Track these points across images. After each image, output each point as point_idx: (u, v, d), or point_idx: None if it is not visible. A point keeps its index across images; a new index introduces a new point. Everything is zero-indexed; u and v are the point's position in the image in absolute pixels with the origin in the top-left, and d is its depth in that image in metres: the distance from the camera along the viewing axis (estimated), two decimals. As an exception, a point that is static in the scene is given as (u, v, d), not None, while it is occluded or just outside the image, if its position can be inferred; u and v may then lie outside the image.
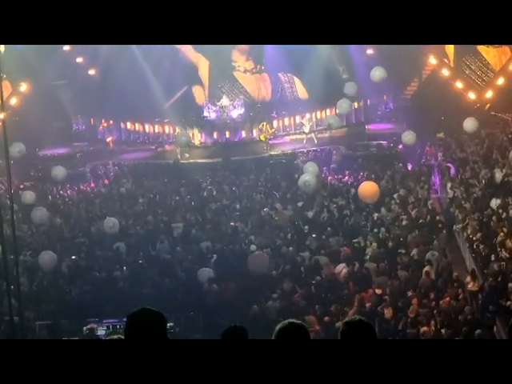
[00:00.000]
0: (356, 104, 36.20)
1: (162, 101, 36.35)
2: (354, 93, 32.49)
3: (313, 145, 34.30)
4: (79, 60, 36.87)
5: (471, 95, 31.67)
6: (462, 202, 23.75)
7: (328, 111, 36.01)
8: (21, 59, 32.26)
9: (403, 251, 20.59)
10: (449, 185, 25.84)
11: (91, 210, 27.71)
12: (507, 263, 18.43)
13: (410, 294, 17.71)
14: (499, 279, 17.59)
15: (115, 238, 23.08)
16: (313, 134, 35.07)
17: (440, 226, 22.83)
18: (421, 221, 22.84)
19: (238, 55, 38.28)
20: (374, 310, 17.01)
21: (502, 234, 19.94)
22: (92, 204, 28.51)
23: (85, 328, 17.65)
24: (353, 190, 26.65)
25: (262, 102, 38.14)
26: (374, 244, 21.19)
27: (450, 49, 33.79)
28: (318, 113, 36.44)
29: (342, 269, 19.72)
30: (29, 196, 26.71)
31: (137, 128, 38.26)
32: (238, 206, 26.71)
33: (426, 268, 18.81)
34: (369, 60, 34.34)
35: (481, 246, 19.84)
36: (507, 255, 18.80)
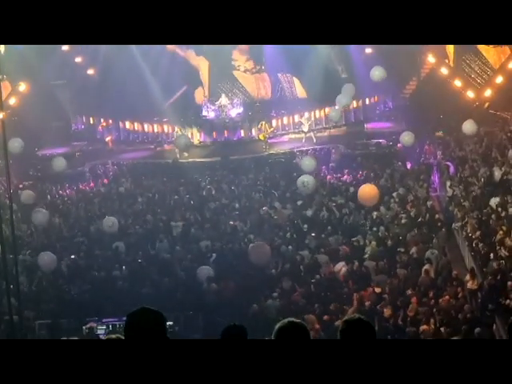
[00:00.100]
0: (355, 103, 36.22)
1: (161, 100, 36.34)
2: (351, 95, 32.32)
3: (312, 144, 34.31)
4: (78, 60, 36.89)
5: (470, 94, 31.68)
6: (461, 201, 23.76)
7: (327, 110, 36.02)
8: (20, 59, 32.28)
9: (402, 250, 20.59)
10: (448, 183, 25.86)
11: (90, 210, 27.72)
12: (506, 261, 18.44)
13: (409, 292, 17.72)
14: (498, 277, 17.59)
15: (114, 238, 23.09)
16: (312, 133, 35.09)
17: (439, 224, 22.85)
18: (420, 219, 22.85)
19: (238, 55, 38.30)
20: (374, 309, 17.02)
21: (501, 232, 19.95)
22: (91, 203, 28.51)
23: (84, 327, 17.66)
24: (352, 189, 26.67)
25: (261, 101, 38.15)
26: (374, 243, 21.20)
27: (449, 48, 33.80)
28: (317, 112, 36.46)
29: (341, 267, 19.73)
30: (28, 195, 26.73)
31: (136, 127, 38.28)
32: (237, 205, 26.72)
33: (426, 266, 18.81)
34: (368, 59, 34.36)
35: (480, 245, 19.85)
36: (506, 253, 18.81)
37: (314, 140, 34.72)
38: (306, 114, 35.77)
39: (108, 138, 37.36)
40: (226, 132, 36.30)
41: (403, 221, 22.79)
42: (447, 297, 17.02)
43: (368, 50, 34.93)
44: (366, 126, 36.24)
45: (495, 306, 16.77)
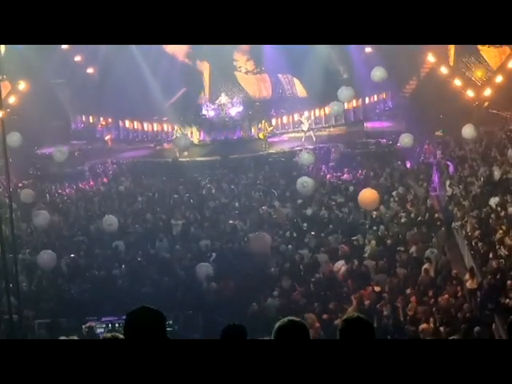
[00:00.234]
0: (355, 102, 36.22)
1: (161, 99, 36.31)
2: (349, 97, 32.20)
3: (311, 143, 34.31)
4: (78, 58, 36.86)
5: (470, 93, 31.66)
6: (461, 200, 23.77)
7: (327, 109, 36.02)
8: (19, 58, 32.26)
9: (402, 249, 20.60)
10: (447, 182, 25.88)
11: (90, 209, 27.71)
12: (506, 261, 18.44)
13: (408, 291, 17.72)
14: (498, 277, 17.59)
15: (114, 237, 23.08)
16: (311, 132, 35.09)
17: (439, 223, 22.85)
18: (420, 218, 22.85)
19: (239, 56, 38.25)
20: (373, 308, 17.03)
21: (500, 231, 19.96)
22: (91, 202, 28.51)
23: (84, 326, 17.66)
24: (351, 188, 26.69)
25: (261, 101, 38.14)
26: (373, 242, 21.19)
27: (450, 47, 33.76)
28: (317, 111, 36.45)
29: (340, 266, 19.73)
30: (27, 194, 26.71)
31: (135, 126, 38.28)
32: (236, 204, 26.73)
33: (425, 265, 18.81)
34: (367, 58, 34.37)
35: (479, 244, 19.85)
36: (506, 253, 18.82)
37: (314, 139, 34.73)
38: (306, 113, 35.78)
39: (107, 137, 37.35)
40: (225, 131, 36.29)
41: (403, 220, 22.80)
42: (447, 296, 17.02)
43: (368, 49, 34.93)
44: (365, 125, 36.24)
45: (494, 305, 16.78)
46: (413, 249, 20.32)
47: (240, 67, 38.53)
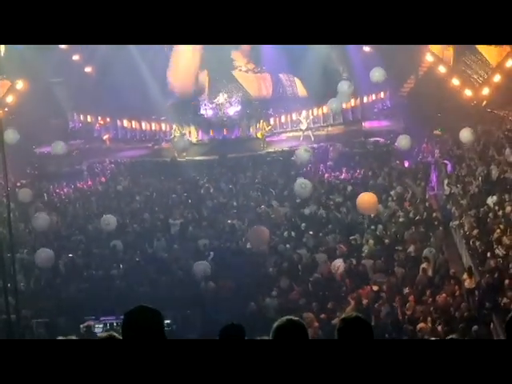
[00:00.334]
0: (353, 101, 36.23)
1: (159, 98, 36.29)
2: (348, 92, 32.28)
3: (309, 142, 34.30)
4: (75, 58, 36.80)
5: (468, 92, 31.68)
6: (459, 199, 23.80)
7: (325, 108, 36.03)
8: (18, 57, 32.20)
9: (400, 248, 20.61)
10: (445, 181, 25.91)
11: (88, 208, 27.69)
12: (503, 260, 18.47)
13: (406, 290, 17.73)
14: (496, 276, 17.61)
15: (112, 236, 23.07)
16: (310, 132, 35.10)
17: (437, 222, 22.87)
18: (417, 217, 22.87)
19: (239, 55, 38.16)
20: (371, 307, 17.03)
21: (498, 230, 19.98)
22: (89, 202, 28.49)
23: (82, 326, 17.65)
24: (349, 188, 26.69)
25: (260, 100, 38.11)
26: (371, 241, 21.20)
27: (449, 46, 33.74)
28: (315, 110, 36.44)
29: (339, 265, 19.72)
30: (25, 194, 26.68)
31: (133, 126, 38.22)
32: (234, 204, 26.73)
33: (423, 265, 18.82)
34: (366, 57, 34.37)
35: (477, 243, 19.88)
36: (503, 252, 18.84)
37: (312, 138, 34.73)
38: (304, 112, 35.77)
39: (105, 136, 37.31)
40: (223, 130, 36.26)
41: (401, 219, 22.81)
42: (445, 295, 17.03)
43: (366, 48, 34.92)
44: (363, 124, 36.27)
45: (492, 305, 16.79)
46: (411, 248, 20.33)
47: (240, 66, 38.48)
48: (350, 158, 31.74)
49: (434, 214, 23.65)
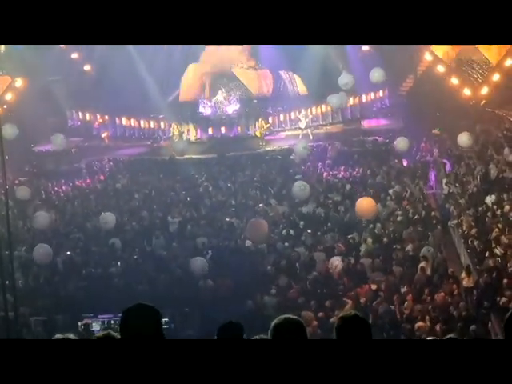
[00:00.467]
0: (351, 100, 36.23)
1: (158, 96, 36.28)
2: (350, 85, 32.25)
3: (308, 141, 34.27)
4: (74, 56, 36.80)
5: (467, 91, 31.67)
6: (457, 198, 23.80)
7: (324, 107, 36.03)
8: (16, 55, 32.18)
9: (398, 247, 20.61)
10: (444, 181, 25.92)
11: (86, 206, 27.68)
12: (502, 259, 18.47)
13: (405, 289, 17.73)
14: (494, 275, 17.61)
15: (110, 234, 23.06)
16: (308, 130, 35.09)
17: (435, 221, 22.88)
18: (416, 216, 22.87)
19: (239, 52, 38.11)
20: (369, 306, 17.04)
21: (496, 229, 19.99)
22: (87, 200, 28.48)
23: (80, 323, 17.66)
24: (348, 186, 26.69)
25: (258, 98, 38.09)
26: (370, 240, 21.19)
27: (454, 46, 33.71)
28: (314, 108, 36.43)
29: (337, 263, 19.71)
30: (23, 192, 26.67)
31: (132, 124, 38.22)
32: (233, 202, 26.73)
33: (422, 264, 18.82)
34: (364, 56, 34.38)
35: (476, 242, 19.88)
36: (502, 251, 18.85)
37: (311, 137, 34.72)
38: (303, 111, 35.75)
39: (104, 134, 37.30)
40: (222, 129, 36.24)
41: (399, 218, 22.81)
42: (443, 294, 17.03)
43: (365, 47, 34.91)
44: (362, 123, 36.27)
45: (491, 304, 16.79)
46: (409, 247, 20.33)
47: (242, 63, 38.45)
48: (348, 156, 31.74)
49: (433, 213, 23.65)
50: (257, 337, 4.11)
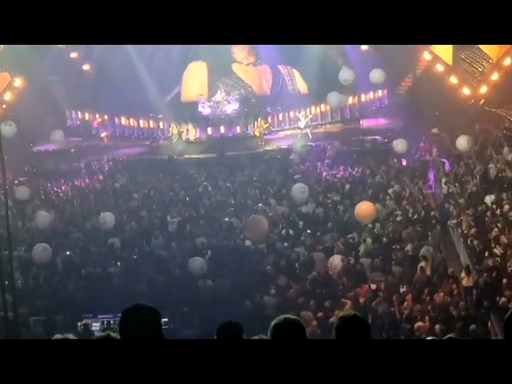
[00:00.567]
0: (351, 99, 36.23)
1: (157, 96, 36.27)
2: (350, 80, 32.20)
3: (307, 140, 34.29)
4: (73, 55, 36.77)
5: (466, 91, 31.67)
6: (457, 198, 23.80)
7: (323, 106, 36.02)
8: (15, 54, 32.14)
9: (398, 247, 20.61)
10: (443, 180, 25.92)
11: (86, 206, 27.67)
12: (501, 259, 18.47)
13: (404, 289, 17.73)
14: (494, 275, 17.61)
15: (110, 234, 23.05)
16: (308, 130, 35.07)
17: (434, 221, 22.88)
18: (415, 216, 22.87)
19: (239, 49, 38.07)
20: (369, 306, 17.04)
21: (496, 229, 19.99)
22: (86, 199, 28.47)
23: (79, 324, 17.65)
24: (347, 186, 26.68)
25: (257, 98, 38.08)
26: (369, 240, 21.18)
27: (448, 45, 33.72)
28: (313, 108, 36.42)
29: (337, 263, 19.69)
30: (23, 192, 26.65)
31: (131, 123, 38.19)
32: (232, 202, 26.72)
33: (421, 263, 18.82)
34: (363, 55, 34.35)
35: (475, 242, 19.88)
36: (501, 251, 18.85)
37: (310, 136, 34.69)
38: (302, 111, 35.74)
39: (103, 134, 37.28)
40: (221, 128, 36.22)
41: (398, 218, 22.80)
42: (442, 294, 17.04)
43: (364, 47, 34.89)
44: (361, 122, 36.25)
45: (490, 304, 16.80)
46: (408, 247, 20.32)
47: (242, 59, 38.42)
48: (347, 156, 31.73)
49: (432, 213, 23.65)
50: (256, 337, 4.10)
